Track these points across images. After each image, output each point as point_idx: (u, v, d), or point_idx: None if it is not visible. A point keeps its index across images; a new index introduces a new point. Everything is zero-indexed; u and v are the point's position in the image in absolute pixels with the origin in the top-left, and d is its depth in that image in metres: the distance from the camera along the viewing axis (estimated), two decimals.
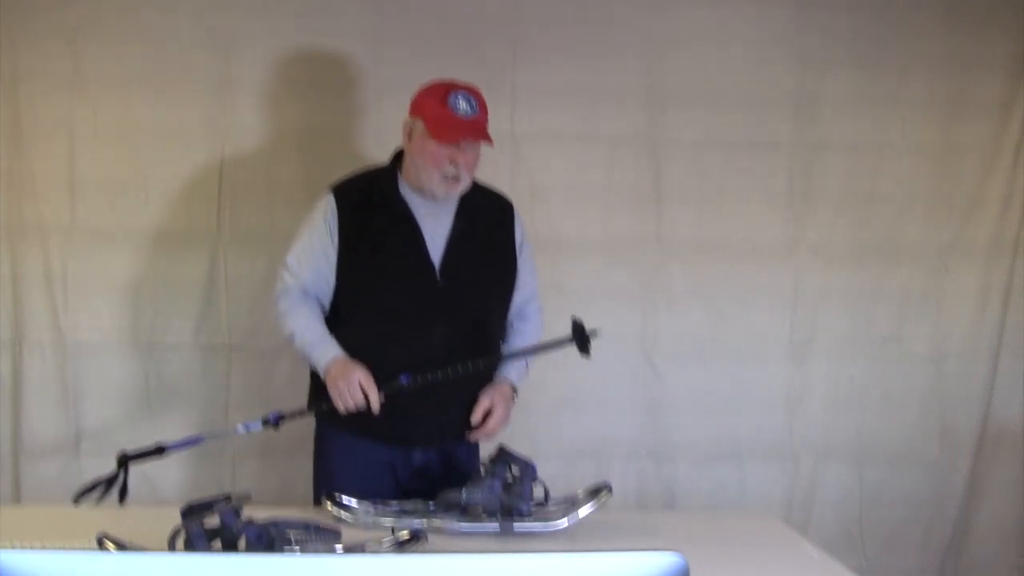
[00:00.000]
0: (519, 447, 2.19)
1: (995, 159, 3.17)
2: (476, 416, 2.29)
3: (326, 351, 2.25)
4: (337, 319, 2.33)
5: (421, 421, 2.28)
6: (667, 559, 0.99)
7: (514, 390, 2.38)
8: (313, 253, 2.31)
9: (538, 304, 2.51)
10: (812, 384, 3.16)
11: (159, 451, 2.23)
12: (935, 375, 3.19)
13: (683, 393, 3.11)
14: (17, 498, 2.95)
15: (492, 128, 2.27)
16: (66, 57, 2.92)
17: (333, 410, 2.23)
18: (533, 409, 3.04)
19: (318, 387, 2.33)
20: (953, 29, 3.12)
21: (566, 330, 2.29)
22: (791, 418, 3.15)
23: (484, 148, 2.32)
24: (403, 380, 2.21)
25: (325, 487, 2.23)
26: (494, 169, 3.00)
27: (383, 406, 2.21)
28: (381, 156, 2.49)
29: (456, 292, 2.29)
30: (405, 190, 2.32)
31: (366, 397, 2.19)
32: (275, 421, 2.24)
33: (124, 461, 2.17)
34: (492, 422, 2.30)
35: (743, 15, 3.10)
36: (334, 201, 2.32)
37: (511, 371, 2.39)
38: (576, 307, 3.01)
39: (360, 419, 2.23)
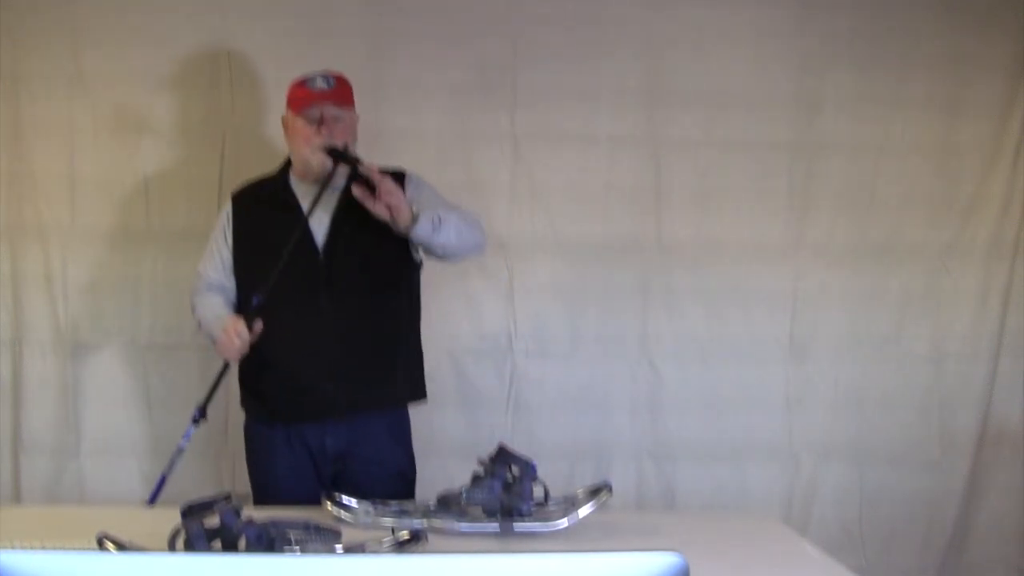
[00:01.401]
0: (519, 447, 2.19)
1: (995, 159, 3.17)
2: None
3: (217, 323, 2.35)
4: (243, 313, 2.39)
5: (315, 393, 2.35)
6: (667, 559, 0.99)
7: (413, 215, 2.29)
8: (212, 258, 2.47)
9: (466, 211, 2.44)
10: (812, 384, 3.15)
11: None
12: (935, 375, 3.18)
13: (683, 393, 3.10)
14: (17, 498, 2.95)
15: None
16: (66, 57, 2.93)
17: (248, 401, 2.44)
18: (533, 409, 3.04)
19: (245, 383, 2.47)
20: (953, 29, 3.12)
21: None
22: (791, 418, 3.15)
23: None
24: (255, 300, 2.30)
25: (253, 483, 2.46)
26: (494, 169, 3.02)
27: (277, 382, 2.37)
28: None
29: (339, 268, 2.37)
30: (294, 182, 2.44)
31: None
32: (198, 415, 2.42)
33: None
34: (380, 190, 2.27)
35: (743, 15, 3.09)
36: (230, 206, 2.49)
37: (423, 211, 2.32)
38: (576, 307, 3.06)
39: (261, 401, 2.42)
